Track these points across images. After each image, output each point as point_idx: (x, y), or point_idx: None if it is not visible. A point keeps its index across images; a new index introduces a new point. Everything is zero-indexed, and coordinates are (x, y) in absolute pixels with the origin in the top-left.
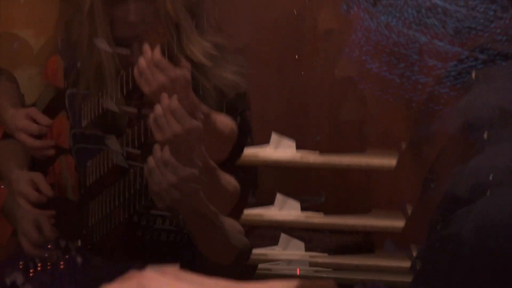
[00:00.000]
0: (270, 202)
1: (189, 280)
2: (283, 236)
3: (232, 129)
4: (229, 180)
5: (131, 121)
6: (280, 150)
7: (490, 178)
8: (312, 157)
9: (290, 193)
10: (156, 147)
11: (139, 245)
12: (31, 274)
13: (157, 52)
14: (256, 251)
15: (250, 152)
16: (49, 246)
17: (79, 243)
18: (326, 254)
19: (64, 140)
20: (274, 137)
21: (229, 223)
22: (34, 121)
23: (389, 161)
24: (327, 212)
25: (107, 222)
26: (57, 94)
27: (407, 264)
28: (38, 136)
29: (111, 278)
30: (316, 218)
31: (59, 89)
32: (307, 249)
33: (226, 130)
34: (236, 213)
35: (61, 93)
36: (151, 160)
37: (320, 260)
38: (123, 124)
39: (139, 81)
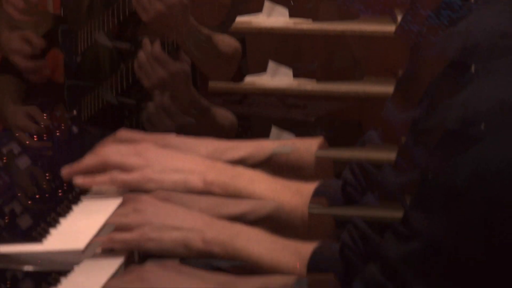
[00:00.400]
0: (262, 70)
1: (189, 274)
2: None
3: None
4: (228, 43)
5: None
6: (273, 17)
7: (482, 127)
8: (305, 24)
9: (283, 61)
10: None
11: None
12: (27, 142)
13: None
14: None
15: (243, 19)
16: (44, 116)
17: (75, 113)
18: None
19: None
20: (266, 4)
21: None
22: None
23: (384, 28)
24: (320, 79)
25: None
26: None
27: None
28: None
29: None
30: (309, 85)
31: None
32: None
33: None
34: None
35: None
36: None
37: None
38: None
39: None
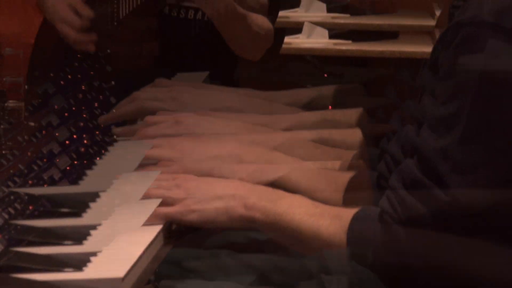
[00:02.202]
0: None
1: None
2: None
3: None
4: (262, 24)
5: None
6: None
7: None
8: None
9: None
10: None
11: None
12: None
13: None
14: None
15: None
16: (83, 88)
17: (113, 83)
18: (349, 41)
19: None
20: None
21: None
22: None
23: None
24: (353, 13)
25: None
26: None
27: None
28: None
29: None
30: (344, 45)
31: None
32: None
33: None
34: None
35: None
36: None
37: (344, 47)
38: None
39: None
